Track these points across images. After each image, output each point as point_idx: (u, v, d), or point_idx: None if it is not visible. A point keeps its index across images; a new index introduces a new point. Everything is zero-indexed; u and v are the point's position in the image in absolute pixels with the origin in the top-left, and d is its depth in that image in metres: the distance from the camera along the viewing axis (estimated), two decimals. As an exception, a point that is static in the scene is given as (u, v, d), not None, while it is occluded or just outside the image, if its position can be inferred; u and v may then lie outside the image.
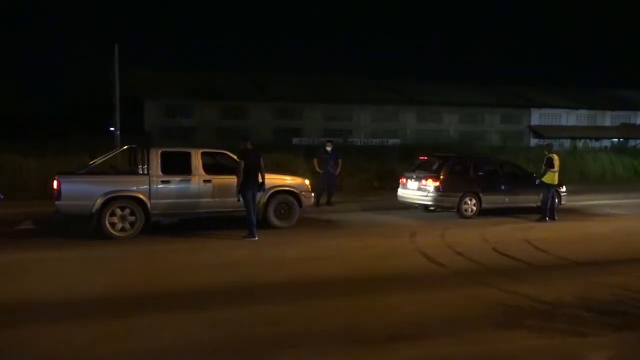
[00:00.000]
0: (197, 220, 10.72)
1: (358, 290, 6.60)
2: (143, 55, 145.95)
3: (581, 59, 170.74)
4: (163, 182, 9.89)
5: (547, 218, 12.32)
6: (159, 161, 9.90)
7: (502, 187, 13.07)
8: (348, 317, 5.58)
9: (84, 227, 9.75)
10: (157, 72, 52.58)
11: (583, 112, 61.55)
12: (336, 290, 6.63)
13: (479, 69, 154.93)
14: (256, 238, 9.64)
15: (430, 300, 6.23)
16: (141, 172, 10.13)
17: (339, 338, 5.00)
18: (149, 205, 9.71)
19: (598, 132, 57.89)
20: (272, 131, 49.64)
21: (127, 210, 9.58)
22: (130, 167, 11.35)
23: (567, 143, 43.39)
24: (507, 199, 13.15)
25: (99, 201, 9.36)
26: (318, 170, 14.64)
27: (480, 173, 13.36)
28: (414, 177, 13.14)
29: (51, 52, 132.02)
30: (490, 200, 12.93)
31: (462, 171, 13.15)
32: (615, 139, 56.49)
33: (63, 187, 9.33)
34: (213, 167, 10.66)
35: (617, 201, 16.58)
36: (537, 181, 12.63)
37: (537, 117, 60.15)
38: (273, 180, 10.68)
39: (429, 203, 12.87)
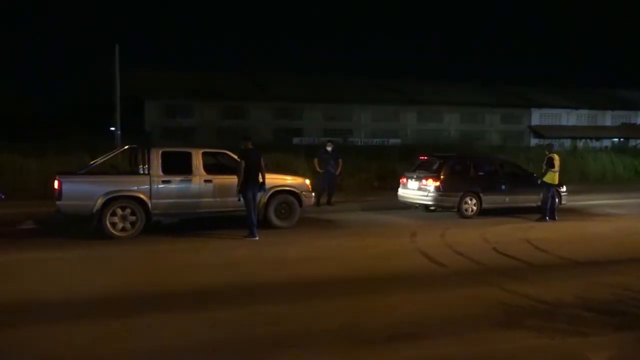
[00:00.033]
0: (198, 220, 10.72)
1: (358, 290, 6.60)
2: (143, 55, 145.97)
3: (581, 59, 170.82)
4: (164, 182, 9.89)
5: (548, 218, 12.32)
6: (160, 161, 9.90)
7: (503, 187, 13.07)
8: (348, 317, 5.58)
9: (85, 227, 9.76)
10: (157, 72, 52.62)
11: (583, 112, 61.58)
12: (336, 290, 6.63)
13: (479, 69, 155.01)
14: (257, 238, 9.65)
15: (430, 300, 6.23)
16: (142, 172, 10.14)
17: (339, 338, 5.00)
18: (149, 205, 9.72)
19: (598, 132, 57.91)
20: (272, 131, 49.69)
21: (128, 210, 9.59)
22: (131, 167, 11.35)
23: (567, 143, 43.39)
24: (507, 199, 13.15)
25: (100, 201, 9.36)
26: (318, 170, 14.65)
27: (481, 173, 13.36)
28: (415, 177, 13.14)
29: (51, 52, 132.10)
30: (491, 200, 12.93)
31: (463, 171, 13.15)
32: (616, 139, 56.52)
33: (64, 187, 9.33)
34: (214, 167, 10.66)
35: (618, 201, 16.57)
36: (540, 181, 12.61)
37: (538, 117, 60.18)
38: (274, 180, 10.69)
39: (430, 203, 12.87)
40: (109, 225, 9.45)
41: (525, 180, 13.60)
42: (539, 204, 12.95)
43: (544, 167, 12.50)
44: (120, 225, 9.55)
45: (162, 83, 49.39)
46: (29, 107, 51.57)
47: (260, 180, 9.83)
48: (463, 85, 63.56)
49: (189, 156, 10.22)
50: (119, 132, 21.32)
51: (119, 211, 9.53)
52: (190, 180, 10.10)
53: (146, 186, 9.78)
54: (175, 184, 9.99)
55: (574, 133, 54.00)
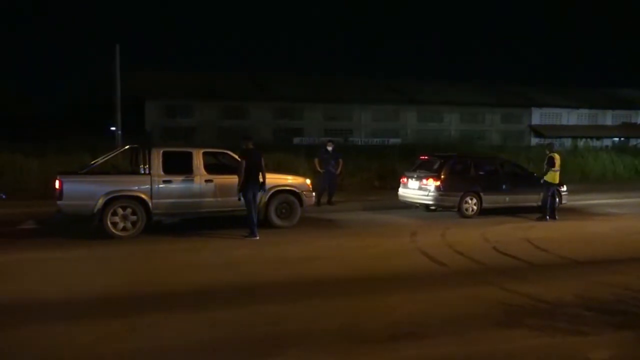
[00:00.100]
0: (199, 220, 10.72)
1: (358, 290, 6.60)
2: (143, 55, 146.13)
3: (581, 59, 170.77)
4: (165, 181, 9.90)
5: (548, 217, 12.32)
6: (161, 161, 9.91)
7: (503, 186, 13.07)
8: (348, 317, 5.58)
9: (86, 226, 9.77)
10: (157, 72, 52.66)
11: (584, 111, 61.58)
12: (337, 289, 6.63)
13: (479, 69, 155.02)
14: (257, 237, 9.65)
15: (430, 299, 6.24)
16: (143, 172, 10.14)
17: (339, 338, 5.00)
18: (150, 204, 9.73)
19: (599, 132, 57.91)
20: (273, 131, 49.72)
21: (129, 210, 9.60)
22: (131, 166, 11.35)
23: (567, 142, 43.37)
24: (507, 199, 13.15)
25: (101, 201, 9.37)
26: (319, 169, 14.65)
27: (481, 172, 13.36)
28: (415, 176, 13.14)
29: (51, 52, 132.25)
30: (491, 199, 12.93)
31: (463, 171, 13.15)
32: (616, 138, 56.57)
33: (65, 187, 9.34)
34: (214, 166, 10.67)
35: (618, 200, 16.57)
36: (542, 181, 12.59)
37: (538, 116, 60.18)
38: (274, 179, 10.69)
39: (430, 202, 12.87)
40: (109, 225, 9.46)
41: (526, 180, 13.60)
42: (539, 203, 12.96)
43: (545, 166, 12.51)
44: (121, 225, 9.55)
45: (162, 83, 49.42)
46: (29, 107, 51.62)
47: (261, 180, 9.84)
48: (463, 85, 63.56)
49: (189, 156, 10.23)
50: (119, 132, 21.30)
51: (120, 211, 9.54)
52: (191, 180, 10.11)
53: (147, 186, 9.78)
54: (176, 183, 10.00)
55: (574, 132, 53.96)
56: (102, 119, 40.08)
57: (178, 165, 10.06)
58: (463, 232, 10.74)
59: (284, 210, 10.89)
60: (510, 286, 6.68)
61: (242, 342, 4.89)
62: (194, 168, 10.16)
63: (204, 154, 10.41)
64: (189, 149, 10.46)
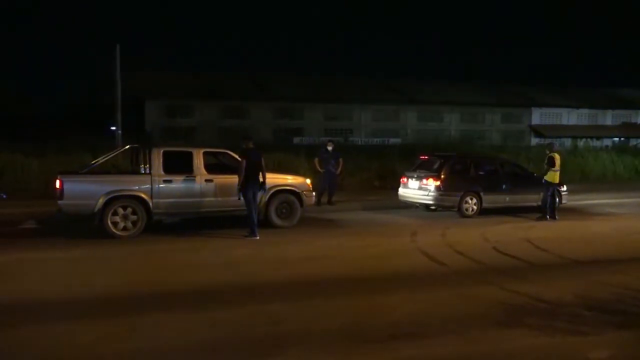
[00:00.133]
0: (199, 220, 10.73)
1: (359, 290, 6.60)
2: (143, 55, 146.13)
3: (581, 59, 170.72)
4: (165, 181, 9.90)
5: (548, 217, 12.33)
6: (161, 160, 9.92)
7: (503, 186, 13.07)
8: (349, 317, 5.58)
9: (86, 226, 9.78)
10: (157, 72, 52.66)
11: (584, 111, 61.56)
12: (337, 289, 6.63)
13: (479, 69, 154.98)
14: (257, 237, 9.66)
15: (431, 299, 6.24)
16: (143, 172, 10.15)
17: (340, 338, 5.00)
18: (151, 204, 9.73)
19: (599, 131, 57.90)
20: (273, 131, 49.73)
21: (129, 210, 9.61)
22: (132, 166, 11.36)
23: (568, 142, 43.37)
24: (507, 199, 13.16)
25: (101, 200, 9.37)
26: (319, 169, 14.65)
27: (481, 172, 13.37)
28: (415, 176, 13.15)
29: (51, 52, 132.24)
30: (491, 199, 12.93)
31: (463, 170, 13.15)
32: (616, 138, 56.56)
33: (65, 186, 9.34)
34: (215, 166, 10.68)
35: (618, 200, 16.57)
36: (544, 181, 12.57)
37: (538, 116, 60.16)
38: (274, 179, 10.70)
39: (430, 202, 12.88)
40: (110, 224, 9.47)
41: (526, 179, 13.61)
42: (539, 203, 12.96)
43: (545, 166, 12.52)
44: (121, 225, 9.56)
45: (162, 83, 49.41)
46: (29, 107, 51.64)
47: (261, 180, 9.84)
48: (463, 85, 63.54)
49: (190, 156, 10.23)
50: (120, 131, 21.30)
51: (121, 210, 9.54)
52: (191, 180, 10.11)
53: (147, 186, 9.79)
54: (177, 183, 10.00)
55: (574, 132, 53.96)
56: (102, 119, 40.12)
57: (178, 165, 10.06)
58: (463, 232, 10.74)
59: (284, 210, 10.89)
60: (510, 286, 6.68)
61: (242, 342, 4.89)
62: (195, 168, 10.16)
63: (205, 153, 10.41)
64: (189, 149, 10.46)
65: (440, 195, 12.54)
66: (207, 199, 10.20)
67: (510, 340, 4.97)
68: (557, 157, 12.43)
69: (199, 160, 10.21)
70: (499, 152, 22.33)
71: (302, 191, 11.07)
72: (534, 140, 54.17)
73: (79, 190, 9.51)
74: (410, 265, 8.01)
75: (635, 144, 46.35)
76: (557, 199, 12.78)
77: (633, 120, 62.66)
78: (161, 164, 9.90)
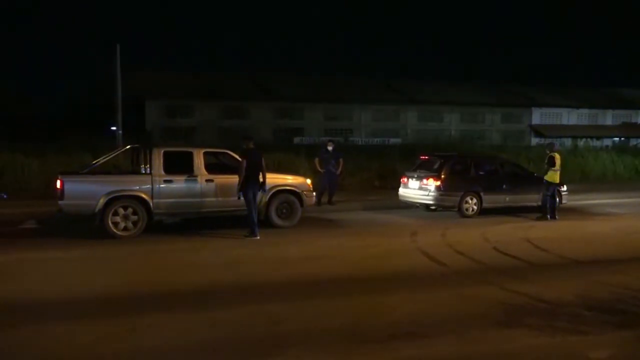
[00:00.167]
0: (200, 220, 10.73)
1: (359, 290, 6.60)
2: (143, 55, 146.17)
3: (581, 59, 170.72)
4: (165, 181, 9.90)
5: (549, 217, 12.33)
6: (162, 161, 9.92)
7: (503, 186, 13.07)
8: (349, 317, 5.58)
9: (87, 226, 9.78)
10: (157, 72, 52.68)
11: (584, 111, 61.57)
12: (337, 289, 6.63)
13: (479, 68, 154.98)
14: (258, 237, 9.66)
15: (431, 299, 6.24)
16: (144, 172, 10.16)
17: (340, 337, 5.00)
18: (151, 204, 9.74)
19: (599, 131, 57.92)
20: (273, 131, 49.74)
21: (130, 210, 9.61)
22: (132, 166, 11.37)
23: (568, 142, 43.36)
24: (507, 199, 13.16)
25: (102, 201, 9.38)
26: (319, 169, 14.65)
27: (481, 172, 13.36)
28: (415, 176, 13.15)
29: (51, 52, 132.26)
30: (491, 199, 12.93)
31: (463, 170, 13.15)
32: (617, 138, 56.57)
33: (66, 186, 9.34)
34: (215, 166, 10.68)
35: (618, 200, 16.57)
36: (544, 181, 12.57)
37: (538, 116, 60.17)
38: (275, 179, 10.70)
39: (430, 202, 12.88)
40: (111, 224, 9.47)
41: (526, 179, 13.61)
42: (539, 203, 12.96)
43: (545, 166, 12.52)
44: (122, 225, 9.57)
45: (162, 83, 49.43)
46: (29, 107, 51.65)
47: (261, 180, 9.84)
48: (463, 85, 63.55)
49: (190, 156, 10.24)
50: (120, 132, 21.31)
51: (121, 211, 9.55)
52: (191, 180, 10.11)
53: (148, 186, 9.79)
54: (177, 183, 10.00)
55: (574, 132, 53.99)
56: (103, 119, 40.15)
57: (179, 165, 10.07)
58: (463, 232, 10.75)
59: (284, 210, 10.90)
60: (510, 286, 6.68)
61: (242, 342, 4.90)
62: (195, 168, 10.16)
63: (205, 153, 10.41)
64: (189, 149, 10.47)
65: (441, 195, 12.54)
66: (208, 199, 10.20)
67: (510, 340, 4.97)
68: (557, 157, 12.43)
69: (199, 161, 10.22)
70: (499, 152, 22.31)
71: (303, 191, 11.07)
72: (534, 140, 54.18)
73: (80, 190, 9.51)
74: (410, 265, 8.01)
75: (635, 143, 46.38)
76: (557, 199, 12.77)
77: (633, 120, 62.67)
78: (162, 164, 9.90)
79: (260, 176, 9.84)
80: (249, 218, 9.71)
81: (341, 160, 14.97)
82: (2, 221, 11.10)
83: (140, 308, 5.77)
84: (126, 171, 11.91)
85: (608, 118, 62.66)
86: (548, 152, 12.70)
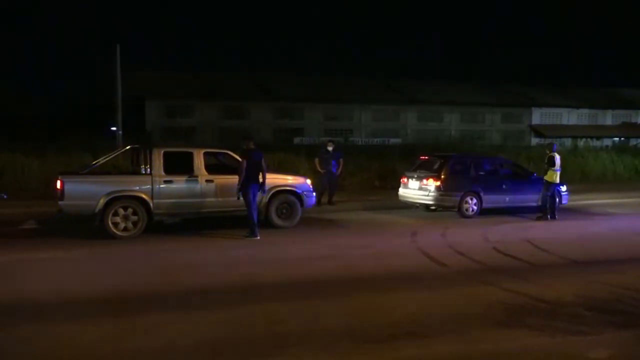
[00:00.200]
0: (200, 220, 10.73)
1: (359, 290, 6.61)
2: (143, 55, 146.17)
3: (581, 59, 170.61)
4: (165, 182, 9.91)
5: (549, 217, 12.33)
6: (162, 161, 9.92)
7: (503, 186, 13.08)
8: (349, 317, 5.59)
9: (87, 227, 9.78)
10: (157, 72, 52.69)
11: (584, 111, 61.58)
12: (337, 289, 6.63)
13: (479, 69, 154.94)
14: (258, 237, 9.66)
15: (431, 299, 6.24)
16: (144, 172, 10.16)
17: (340, 337, 5.00)
18: (151, 205, 9.74)
19: (599, 131, 57.93)
20: (273, 131, 49.75)
21: (130, 210, 9.61)
22: (132, 167, 11.37)
23: (568, 142, 43.39)
24: (507, 199, 13.16)
25: (102, 201, 9.38)
26: (319, 169, 14.65)
27: (481, 172, 13.36)
28: (415, 176, 13.15)
29: (51, 52, 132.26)
30: (491, 199, 12.94)
31: (463, 171, 13.15)
32: (617, 138, 56.58)
33: (66, 187, 9.35)
34: (215, 166, 10.68)
35: (618, 200, 16.58)
36: (544, 181, 12.57)
37: (538, 116, 60.18)
38: (275, 179, 10.70)
39: (430, 202, 12.88)
40: (111, 225, 9.47)
41: (526, 179, 13.61)
42: (539, 203, 12.97)
43: (545, 166, 12.54)
44: (122, 225, 9.57)
45: (162, 83, 49.45)
46: (29, 107, 51.69)
47: (261, 180, 9.84)
48: (463, 85, 63.55)
49: (190, 156, 10.24)
50: (120, 132, 21.31)
51: (121, 211, 9.55)
52: (191, 180, 10.11)
53: (148, 186, 9.79)
54: (177, 183, 10.01)
55: (574, 132, 54.00)
56: (103, 119, 40.18)
57: (179, 165, 10.07)
58: (463, 232, 10.75)
59: (284, 211, 10.90)
60: (510, 286, 6.69)
61: (242, 342, 4.90)
62: (195, 168, 10.17)
63: (205, 154, 10.42)
64: (189, 149, 10.47)
65: (441, 195, 12.54)
66: (208, 199, 10.21)
67: (510, 340, 4.97)
68: (557, 157, 12.44)
69: (199, 161, 10.22)
70: (499, 152, 22.32)
71: (303, 191, 11.07)
72: (534, 140, 54.20)
73: (80, 190, 9.51)
74: (410, 265, 8.01)
75: (635, 143, 46.37)
76: (557, 199, 12.78)
77: (633, 120, 62.67)
78: (162, 165, 9.91)
79: (260, 177, 9.84)
80: (249, 218, 9.72)
81: (341, 160, 14.97)
82: (2, 221, 11.11)
83: (140, 308, 5.77)
84: (126, 171, 11.92)
85: (608, 118, 62.67)
86: (548, 152, 12.72)
